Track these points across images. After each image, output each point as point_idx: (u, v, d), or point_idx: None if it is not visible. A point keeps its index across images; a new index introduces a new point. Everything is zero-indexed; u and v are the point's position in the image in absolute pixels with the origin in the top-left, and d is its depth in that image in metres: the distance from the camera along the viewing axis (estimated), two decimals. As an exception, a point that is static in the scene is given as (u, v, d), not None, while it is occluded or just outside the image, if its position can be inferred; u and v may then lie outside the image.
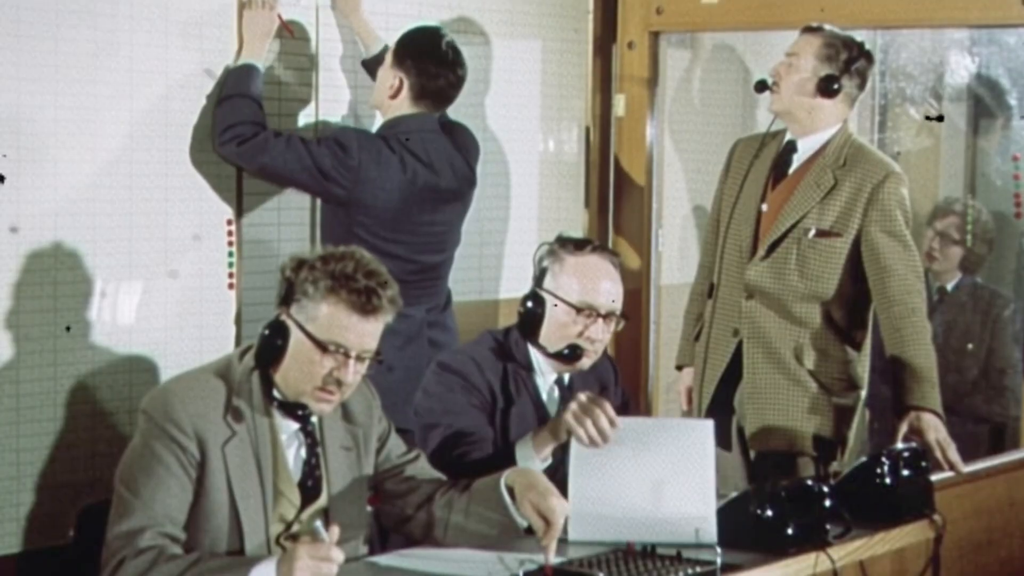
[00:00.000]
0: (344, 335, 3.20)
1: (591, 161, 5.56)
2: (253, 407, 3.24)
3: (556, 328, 3.79)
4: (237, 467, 3.20)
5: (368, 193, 4.44)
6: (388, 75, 4.54)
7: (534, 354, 3.86)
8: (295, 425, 3.31)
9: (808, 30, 4.56)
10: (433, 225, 4.58)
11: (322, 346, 3.20)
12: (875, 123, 6.31)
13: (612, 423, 3.49)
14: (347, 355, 3.21)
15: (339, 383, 3.22)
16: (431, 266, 4.62)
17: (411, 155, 4.50)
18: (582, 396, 3.55)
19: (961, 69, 6.27)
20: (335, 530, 3.00)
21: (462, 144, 4.67)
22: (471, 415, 3.75)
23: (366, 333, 3.23)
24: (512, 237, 5.12)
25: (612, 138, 5.61)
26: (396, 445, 3.54)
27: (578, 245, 3.83)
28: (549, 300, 3.78)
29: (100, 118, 4.15)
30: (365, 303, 3.20)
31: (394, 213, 4.48)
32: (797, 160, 4.51)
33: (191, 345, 4.33)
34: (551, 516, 3.25)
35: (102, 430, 4.18)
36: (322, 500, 3.34)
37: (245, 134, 4.34)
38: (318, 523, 3.06)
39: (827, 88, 4.47)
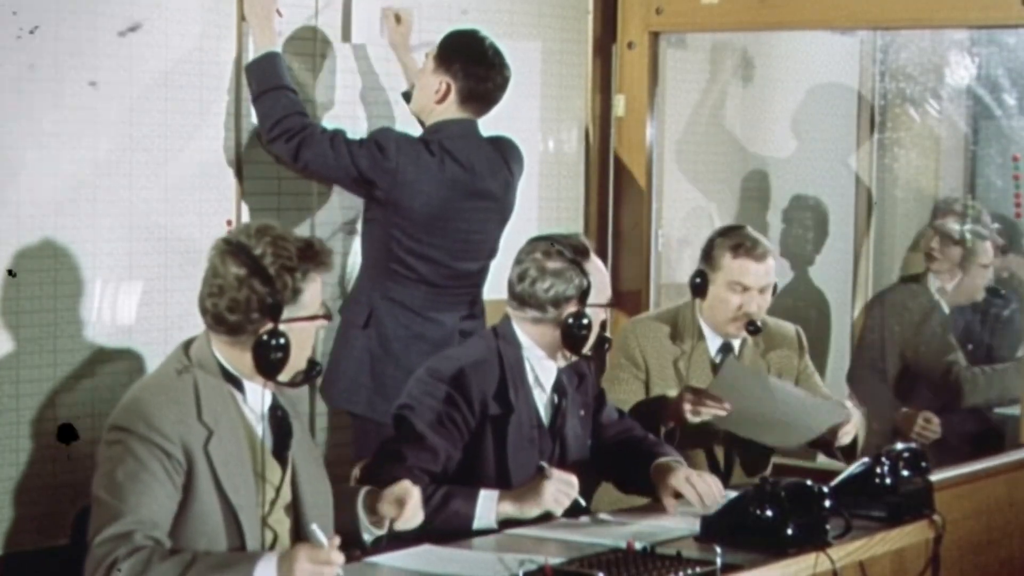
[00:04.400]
0: (318, 296, 3.28)
1: (591, 161, 5.56)
2: (223, 401, 3.25)
3: (594, 331, 3.84)
4: (222, 464, 3.19)
5: (405, 196, 4.45)
6: (432, 80, 4.53)
7: (534, 360, 3.85)
8: (265, 407, 3.30)
9: (762, 256, 4.44)
10: (470, 232, 4.59)
11: (324, 316, 3.29)
12: (875, 123, 6.31)
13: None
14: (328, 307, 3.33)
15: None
16: (467, 273, 4.63)
17: (452, 160, 4.51)
18: (554, 479, 3.62)
19: (961, 69, 6.27)
20: (337, 539, 3.03)
21: (505, 152, 4.69)
22: (427, 436, 3.70)
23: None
24: (512, 237, 5.11)
25: (612, 138, 5.61)
26: None
27: (584, 250, 3.84)
28: (591, 311, 3.81)
29: (100, 118, 4.15)
30: (331, 263, 3.30)
31: (431, 217, 4.49)
32: (732, 357, 4.57)
33: (191, 345, 4.33)
34: (403, 494, 3.32)
35: (102, 430, 4.16)
36: (290, 471, 3.34)
37: (293, 128, 4.36)
38: (314, 526, 3.07)
39: (775, 291, 4.54)
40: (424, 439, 3.68)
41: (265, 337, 3.19)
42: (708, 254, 4.50)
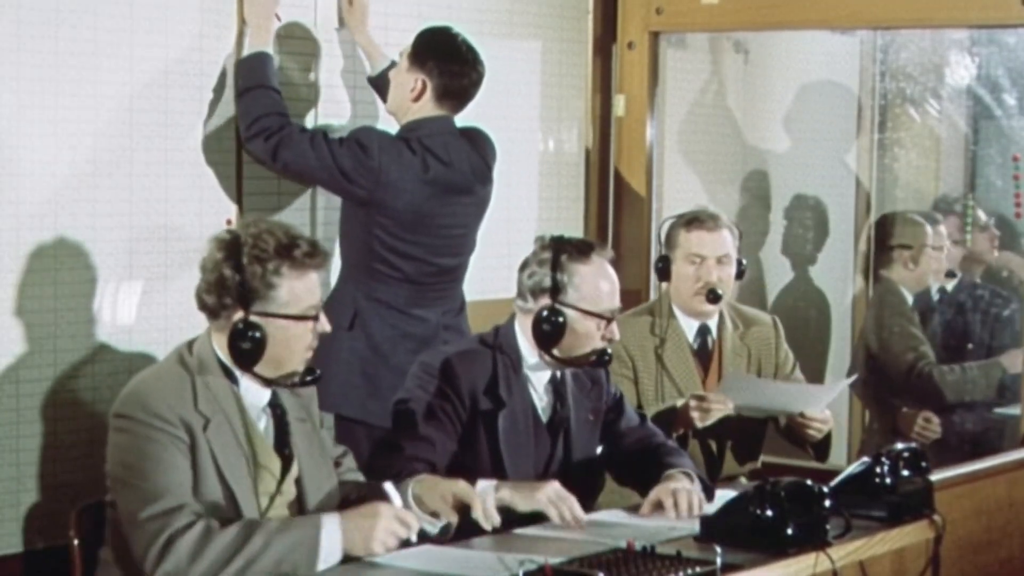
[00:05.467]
0: (312, 297, 3.35)
1: (591, 161, 5.56)
2: (219, 392, 3.31)
3: (582, 338, 3.81)
4: (221, 449, 3.26)
5: (388, 194, 4.44)
6: (407, 78, 4.52)
7: (529, 354, 3.86)
8: (262, 402, 3.37)
9: (714, 226, 4.58)
10: (452, 228, 4.59)
11: (310, 317, 3.34)
12: (875, 123, 6.31)
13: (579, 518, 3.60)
14: (319, 311, 3.38)
15: (319, 336, 3.39)
16: (448, 269, 4.63)
17: (433, 157, 4.50)
18: (557, 486, 3.61)
19: (961, 69, 6.27)
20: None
21: (479, 145, 4.67)
22: (421, 428, 3.73)
23: (319, 283, 3.39)
24: (512, 237, 5.11)
25: (612, 138, 5.61)
26: (327, 438, 3.63)
27: (582, 250, 3.82)
28: (573, 314, 3.78)
29: (100, 117, 4.15)
30: (321, 260, 3.36)
31: (414, 215, 4.49)
32: (711, 340, 4.66)
33: (191, 345, 4.33)
34: (466, 497, 3.39)
35: (102, 430, 4.15)
36: (294, 469, 3.40)
37: (271, 127, 4.35)
38: (389, 485, 3.24)
39: (741, 273, 4.67)
40: (419, 429, 3.72)
41: (239, 326, 3.28)
42: (667, 237, 4.65)
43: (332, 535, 3.17)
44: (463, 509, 3.45)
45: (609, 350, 3.87)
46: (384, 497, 3.35)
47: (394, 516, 3.19)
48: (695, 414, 4.33)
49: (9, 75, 3.96)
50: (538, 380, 3.90)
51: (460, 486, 3.44)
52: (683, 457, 4.02)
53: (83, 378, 4.16)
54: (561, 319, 3.78)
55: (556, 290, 3.79)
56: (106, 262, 4.19)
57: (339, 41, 4.72)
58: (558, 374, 3.92)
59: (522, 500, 3.59)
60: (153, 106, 4.26)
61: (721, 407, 4.35)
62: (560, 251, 3.81)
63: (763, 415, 4.60)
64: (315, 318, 3.35)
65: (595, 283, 3.81)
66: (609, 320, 3.82)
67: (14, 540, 4.05)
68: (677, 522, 3.67)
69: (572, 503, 3.60)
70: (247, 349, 3.28)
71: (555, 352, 3.82)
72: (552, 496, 3.58)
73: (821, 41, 6.17)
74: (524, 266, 3.88)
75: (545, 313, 3.78)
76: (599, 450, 4.03)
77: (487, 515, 3.40)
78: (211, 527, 3.14)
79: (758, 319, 4.77)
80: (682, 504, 3.73)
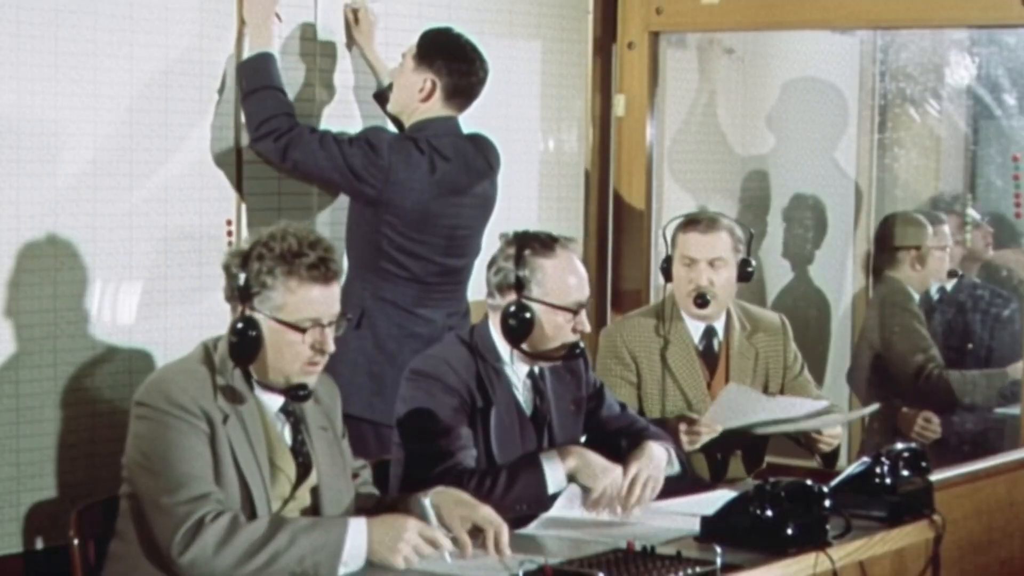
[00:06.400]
0: (315, 309, 3.31)
1: (591, 161, 5.56)
2: (238, 391, 3.32)
3: (551, 332, 3.81)
4: (239, 445, 3.28)
5: (397, 194, 4.46)
6: (415, 79, 4.53)
7: (505, 351, 3.87)
8: (275, 406, 3.38)
9: (708, 228, 4.56)
10: (457, 228, 4.60)
11: (299, 328, 3.30)
12: (875, 123, 6.32)
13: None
14: (322, 325, 3.32)
15: (322, 352, 3.34)
16: (453, 270, 4.64)
17: (440, 157, 4.52)
18: (631, 475, 3.73)
19: (961, 69, 6.27)
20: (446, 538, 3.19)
21: (484, 149, 4.69)
22: (452, 427, 3.74)
23: (330, 298, 3.34)
24: (512, 237, 5.12)
25: (612, 138, 5.61)
26: (348, 449, 3.60)
27: (546, 244, 3.82)
28: (539, 308, 3.78)
29: (100, 118, 4.15)
30: (325, 272, 3.32)
31: (422, 214, 4.50)
32: (717, 341, 4.65)
33: (191, 345, 4.31)
34: (487, 524, 3.30)
35: (102, 430, 4.18)
36: (313, 477, 3.40)
37: (280, 128, 4.36)
38: (427, 501, 3.23)
39: (747, 275, 4.63)
40: (452, 430, 3.73)
41: (238, 323, 3.29)
42: (671, 238, 4.65)
43: (357, 540, 3.16)
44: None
45: (581, 343, 3.87)
46: (418, 512, 3.33)
47: (420, 532, 3.16)
48: (684, 438, 4.33)
49: (9, 75, 3.96)
50: (517, 375, 3.91)
51: (482, 513, 3.34)
52: (662, 434, 4.06)
53: (83, 378, 4.16)
54: (527, 314, 3.78)
55: (520, 286, 3.79)
56: (106, 262, 4.19)
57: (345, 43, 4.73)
58: (536, 368, 3.93)
59: (588, 478, 3.71)
60: (153, 106, 4.26)
61: (709, 431, 4.35)
62: (524, 246, 3.81)
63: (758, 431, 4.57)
64: (303, 330, 3.29)
65: (560, 277, 3.81)
66: (576, 312, 3.82)
67: (14, 540, 4.05)
68: (680, 521, 3.68)
69: (618, 504, 3.70)
70: (237, 343, 3.29)
71: (525, 347, 3.83)
72: (611, 490, 3.68)
73: (821, 41, 6.17)
74: (491, 263, 3.88)
75: (512, 309, 3.79)
76: (583, 440, 4.04)
77: (500, 550, 3.28)
78: (238, 518, 3.15)
79: (766, 319, 4.76)
80: (634, 496, 3.78)
